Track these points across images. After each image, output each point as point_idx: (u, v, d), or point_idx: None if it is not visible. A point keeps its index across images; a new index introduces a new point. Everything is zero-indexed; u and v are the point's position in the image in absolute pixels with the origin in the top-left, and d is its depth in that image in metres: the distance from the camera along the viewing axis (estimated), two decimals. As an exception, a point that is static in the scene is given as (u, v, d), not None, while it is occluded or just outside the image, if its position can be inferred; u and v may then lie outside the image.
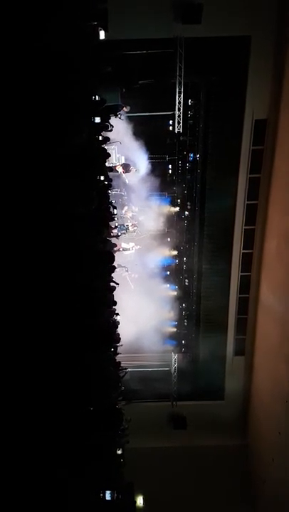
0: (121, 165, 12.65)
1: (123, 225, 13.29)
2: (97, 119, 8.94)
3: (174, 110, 12.61)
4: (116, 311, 10.25)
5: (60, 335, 4.65)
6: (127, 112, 11.72)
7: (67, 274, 4.64)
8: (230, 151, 12.89)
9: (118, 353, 10.30)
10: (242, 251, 13.99)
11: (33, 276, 4.11)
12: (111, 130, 10.45)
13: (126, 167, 12.73)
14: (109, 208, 10.80)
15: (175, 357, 15.11)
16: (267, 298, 13.60)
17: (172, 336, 14.81)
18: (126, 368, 12.15)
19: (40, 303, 4.29)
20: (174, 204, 13.96)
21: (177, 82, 12.09)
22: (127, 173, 12.86)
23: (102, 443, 5.77)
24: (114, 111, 10.86)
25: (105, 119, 9.99)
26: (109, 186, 10.72)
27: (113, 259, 7.46)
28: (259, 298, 14.23)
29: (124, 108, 11.44)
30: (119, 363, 10.23)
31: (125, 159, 12.79)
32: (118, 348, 10.33)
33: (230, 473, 14.31)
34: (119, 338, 10.22)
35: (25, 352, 4.07)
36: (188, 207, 13.70)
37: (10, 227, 3.96)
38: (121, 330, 10.35)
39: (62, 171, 4.59)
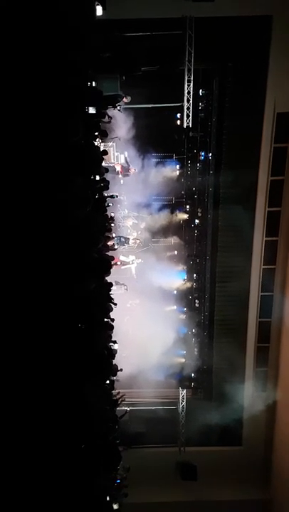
0: (120, 164, 12.69)
1: (122, 236, 13.12)
2: (92, 110, 8.99)
3: (183, 101, 12.70)
4: (113, 339, 10.14)
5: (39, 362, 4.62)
6: (127, 103, 11.79)
7: (57, 284, 4.63)
8: (248, 149, 12.96)
9: (114, 388, 10.18)
10: (262, 266, 13.89)
11: (22, 284, 4.13)
12: (109, 122, 10.51)
13: (125, 168, 12.76)
14: (106, 211, 10.76)
15: (183, 393, 14.92)
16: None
17: (180, 369, 14.59)
18: (125, 407, 12.03)
19: (28, 318, 4.29)
20: (182, 211, 13.96)
21: (186, 69, 12.18)
22: (126, 175, 12.87)
23: (95, 491, 5.66)
24: (113, 102, 10.90)
25: (102, 111, 10.06)
26: (106, 188, 10.72)
27: (110, 267, 7.44)
28: (283, 323, 14.09)
29: (125, 99, 11.46)
30: (117, 400, 10.11)
31: (125, 158, 12.83)
32: (114, 383, 10.21)
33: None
34: (116, 369, 10.10)
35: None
36: (199, 214, 13.70)
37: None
38: (119, 360, 10.24)
39: (56, 169, 4.59)
